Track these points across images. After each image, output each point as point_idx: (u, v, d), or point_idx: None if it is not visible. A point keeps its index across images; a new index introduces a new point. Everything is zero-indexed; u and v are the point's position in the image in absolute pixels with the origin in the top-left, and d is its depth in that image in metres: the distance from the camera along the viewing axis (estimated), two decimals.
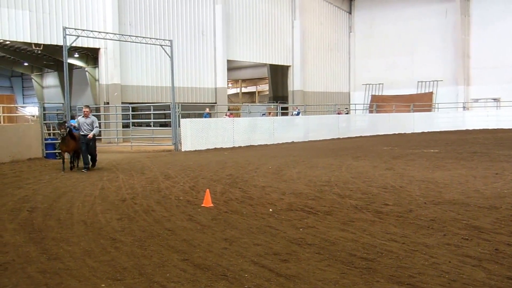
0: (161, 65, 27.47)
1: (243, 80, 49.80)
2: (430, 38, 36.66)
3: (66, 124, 12.82)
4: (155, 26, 27.71)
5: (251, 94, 51.40)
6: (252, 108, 28.51)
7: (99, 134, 17.67)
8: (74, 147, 12.90)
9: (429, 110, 34.42)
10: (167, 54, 20.12)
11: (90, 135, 12.83)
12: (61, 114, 17.90)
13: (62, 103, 19.16)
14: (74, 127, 13.25)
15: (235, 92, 51.60)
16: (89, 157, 13.09)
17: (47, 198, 8.83)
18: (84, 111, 13.15)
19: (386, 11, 39.36)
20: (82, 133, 12.94)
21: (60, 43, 19.79)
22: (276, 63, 36.13)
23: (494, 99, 33.91)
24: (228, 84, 38.76)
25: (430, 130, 29.49)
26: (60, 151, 13.56)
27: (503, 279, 4.36)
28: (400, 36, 38.31)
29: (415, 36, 37.48)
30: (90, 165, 12.97)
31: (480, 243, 5.49)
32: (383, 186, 9.53)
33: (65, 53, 16.98)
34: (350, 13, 41.56)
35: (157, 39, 20.70)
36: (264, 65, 38.66)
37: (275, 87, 39.19)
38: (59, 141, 13.14)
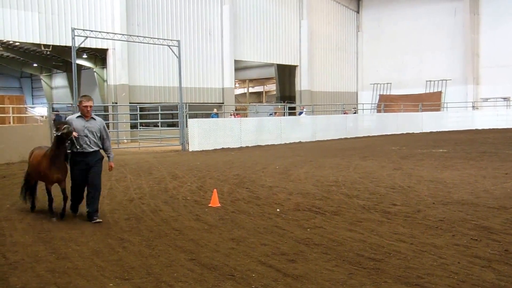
0: (169, 65, 27.58)
1: (250, 80, 49.80)
2: (439, 37, 36.41)
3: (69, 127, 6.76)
4: (163, 27, 27.83)
5: (259, 94, 51.39)
6: (259, 108, 28.52)
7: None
8: (65, 176, 7.14)
9: (438, 110, 34.20)
10: (175, 55, 20.17)
11: (112, 163, 7.33)
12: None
13: (71, 104, 19.27)
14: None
15: (243, 92, 51.61)
16: (82, 194, 7.29)
17: (56, 198, 8.83)
18: (84, 107, 7.01)
19: (394, 10, 39.17)
20: (78, 150, 6.98)
21: (69, 44, 19.92)
22: (284, 63, 36.10)
23: (504, 98, 33.57)
24: (235, 84, 38.79)
25: (438, 130, 29.28)
26: (26, 182, 7.70)
27: None
28: (409, 35, 38.10)
29: (423, 35, 37.25)
30: (78, 210, 7.34)
31: (490, 243, 5.44)
32: (391, 186, 9.47)
33: (73, 54, 17.09)
34: (358, 12, 41.41)
35: (164, 39, 20.75)
36: (271, 65, 38.64)
37: (283, 87, 39.16)
38: (49, 160, 6.89)
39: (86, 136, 7.00)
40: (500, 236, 5.71)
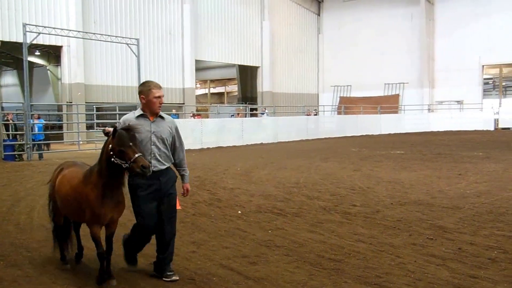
0: (127, 64, 26.89)
1: (212, 81, 49.52)
2: (397, 41, 37.38)
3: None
4: (121, 24, 27.14)
5: (220, 94, 51.18)
6: (220, 109, 28.36)
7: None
8: (121, 213, 4.59)
9: (396, 112, 35.14)
10: (134, 53, 19.76)
11: (188, 185, 5.13)
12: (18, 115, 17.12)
13: (22, 103, 18.44)
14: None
15: (204, 92, 51.26)
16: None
17: (5, 202, 8.47)
18: (156, 98, 4.51)
19: (354, 14, 39.91)
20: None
21: (20, 40, 19.05)
22: (245, 64, 36.10)
23: (457, 102, 34.92)
24: (196, 84, 38.46)
25: (396, 132, 30.08)
26: (54, 222, 5.13)
27: (466, 278, 4.46)
28: (368, 39, 38.88)
29: (382, 39, 38.12)
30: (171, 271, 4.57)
31: (444, 242, 5.60)
32: (351, 187, 9.62)
33: (25, 50, 16.39)
34: (318, 15, 41.98)
35: (123, 37, 20.30)
36: (233, 65, 38.55)
37: (244, 88, 39.15)
38: (101, 189, 4.28)
39: (155, 146, 4.53)
40: (454, 235, 5.89)
